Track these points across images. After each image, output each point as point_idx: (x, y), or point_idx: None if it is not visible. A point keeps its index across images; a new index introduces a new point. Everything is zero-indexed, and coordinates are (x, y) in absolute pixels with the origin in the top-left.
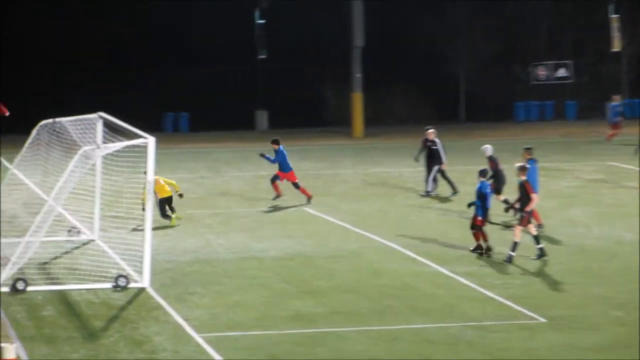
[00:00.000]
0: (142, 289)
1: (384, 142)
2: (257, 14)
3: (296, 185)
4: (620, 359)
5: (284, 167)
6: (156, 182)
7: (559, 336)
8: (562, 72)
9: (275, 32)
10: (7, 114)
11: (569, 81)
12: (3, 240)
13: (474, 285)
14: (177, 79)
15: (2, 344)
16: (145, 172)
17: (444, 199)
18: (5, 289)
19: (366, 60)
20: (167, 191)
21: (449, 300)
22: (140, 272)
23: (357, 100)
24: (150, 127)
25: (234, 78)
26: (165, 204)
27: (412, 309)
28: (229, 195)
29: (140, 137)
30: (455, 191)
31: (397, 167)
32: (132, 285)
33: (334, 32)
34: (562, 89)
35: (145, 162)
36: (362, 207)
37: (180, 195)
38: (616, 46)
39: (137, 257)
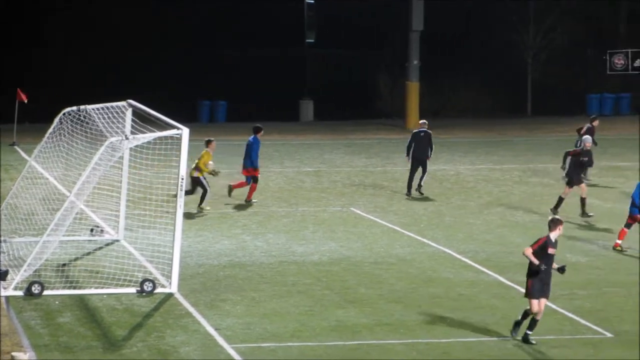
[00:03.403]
0: (169, 295)
1: (441, 137)
2: None
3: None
4: None
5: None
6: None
7: (626, 353)
8: None
9: (326, 14)
10: (26, 100)
11: None
12: (19, 239)
13: None
14: (214, 64)
15: (14, 353)
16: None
17: (506, 202)
18: (19, 293)
19: (424, 46)
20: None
21: (508, 312)
22: (168, 277)
23: (413, 90)
24: (184, 117)
25: (277, 64)
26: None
27: (466, 321)
28: (268, 193)
29: (173, 127)
30: None
31: (455, 164)
32: (159, 290)
33: (390, 14)
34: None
35: (179, 156)
36: (415, 208)
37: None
38: None
39: (166, 259)
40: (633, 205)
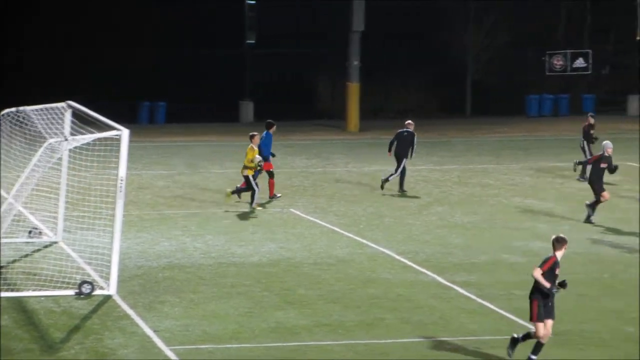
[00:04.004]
0: (108, 297)
1: (381, 137)
2: None
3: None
4: None
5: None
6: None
7: (565, 353)
8: (580, 62)
9: (266, 14)
10: None
11: (587, 72)
12: None
13: (474, 297)
14: (153, 65)
15: None
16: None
17: (445, 202)
18: None
19: (365, 47)
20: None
21: (446, 312)
22: (106, 279)
23: (353, 91)
24: (123, 118)
25: (217, 65)
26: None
27: (405, 322)
28: (208, 194)
29: (113, 128)
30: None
31: (395, 164)
32: (97, 292)
33: (330, 15)
34: (579, 80)
35: (118, 157)
36: (355, 209)
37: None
38: None
39: (104, 261)
40: None
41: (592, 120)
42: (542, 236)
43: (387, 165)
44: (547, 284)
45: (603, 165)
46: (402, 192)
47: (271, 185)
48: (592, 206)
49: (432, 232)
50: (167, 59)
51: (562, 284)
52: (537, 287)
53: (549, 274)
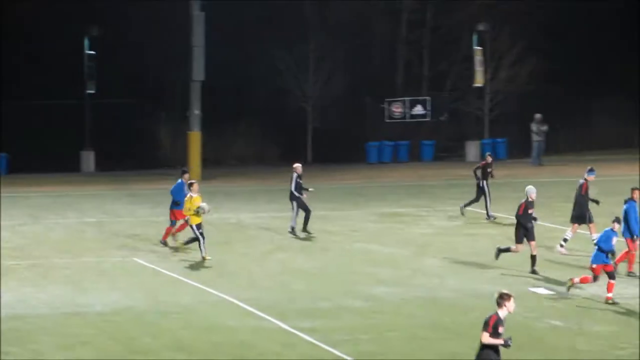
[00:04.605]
0: None
1: (223, 186)
2: (86, 42)
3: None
4: None
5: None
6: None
7: None
8: (418, 110)
9: (106, 64)
10: None
11: (426, 119)
12: None
13: (318, 343)
14: None
15: None
16: None
17: (287, 249)
18: None
19: (205, 96)
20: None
21: (290, 358)
22: None
23: (194, 139)
24: None
25: (57, 114)
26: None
27: None
28: (48, 244)
29: None
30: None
31: (237, 212)
32: None
33: (171, 64)
34: (418, 127)
35: None
36: (197, 256)
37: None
38: (478, 81)
39: None
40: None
41: (489, 160)
42: (384, 281)
43: (229, 212)
44: (501, 342)
45: (531, 211)
46: (306, 232)
47: (167, 232)
48: (504, 251)
49: (275, 279)
50: (9, 110)
51: (506, 343)
52: (483, 350)
53: (493, 333)
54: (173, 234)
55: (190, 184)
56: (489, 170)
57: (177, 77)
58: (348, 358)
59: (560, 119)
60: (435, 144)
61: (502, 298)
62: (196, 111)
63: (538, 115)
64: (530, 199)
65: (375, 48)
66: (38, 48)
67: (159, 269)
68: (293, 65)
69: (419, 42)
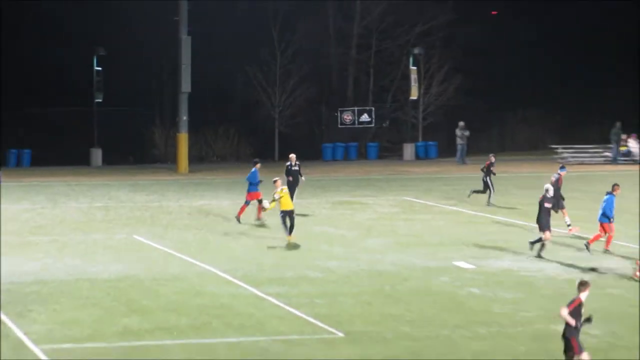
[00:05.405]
0: None
1: (206, 178)
2: (95, 61)
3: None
4: None
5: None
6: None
7: (354, 349)
8: (365, 117)
9: (111, 78)
10: None
11: (371, 125)
12: None
13: (283, 305)
14: (20, 119)
15: None
16: None
17: (261, 229)
18: None
19: (192, 104)
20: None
21: (261, 318)
22: None
23: (182, 140)
24: None
25: (72, 119)
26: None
27: (228, 325)
28: (65, 224)
29: None
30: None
31: (219, 199)
32: None
33: (164, 79)
34: (365, 132)
35: None
36: (186, 235)
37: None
38: (414, 95)
39: None
40: (603, 215)
41: (493, 159)
42: (337, 256)
43: (211, 199)
44: (572, 322)
45: (547, 205)
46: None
47: (242, 209)
48: (535, 243)
49: (249, 254)
50: (32, 115)
51: (589, 319)
52: (568, 326)
53: (574, 312)
54: (259, 211)
55: (275, 181)
56: (492, 168)
57: (168, 89)
58: (307, 317)
59: (480, 125)
60: (379, 146)
61: (583, 284)
62: (184, 117)
63: (461, 123)
64: (548, 195)
65: (331, 67)
66: (53, 64)
67: (155, 245)
68: (263, 80)
69: (366, 62)
